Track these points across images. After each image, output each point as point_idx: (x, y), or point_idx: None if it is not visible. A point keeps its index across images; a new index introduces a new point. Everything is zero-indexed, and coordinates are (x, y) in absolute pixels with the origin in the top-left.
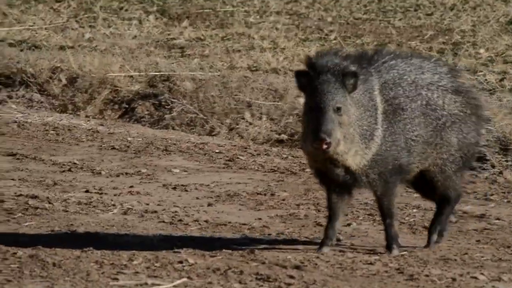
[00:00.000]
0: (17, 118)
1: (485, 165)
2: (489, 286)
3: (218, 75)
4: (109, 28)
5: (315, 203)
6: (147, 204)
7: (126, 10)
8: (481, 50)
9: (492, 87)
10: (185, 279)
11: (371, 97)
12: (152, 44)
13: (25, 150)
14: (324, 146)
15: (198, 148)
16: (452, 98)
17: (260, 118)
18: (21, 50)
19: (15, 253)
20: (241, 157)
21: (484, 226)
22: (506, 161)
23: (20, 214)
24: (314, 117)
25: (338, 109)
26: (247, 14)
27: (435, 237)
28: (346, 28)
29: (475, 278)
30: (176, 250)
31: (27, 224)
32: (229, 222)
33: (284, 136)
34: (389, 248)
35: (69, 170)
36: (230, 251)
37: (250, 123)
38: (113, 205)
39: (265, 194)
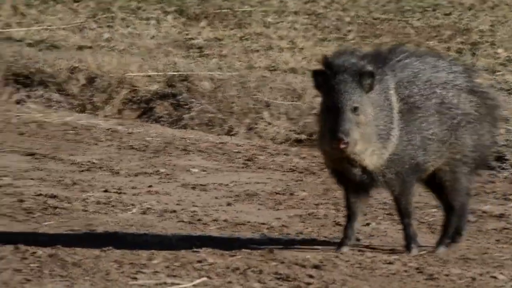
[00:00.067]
0: (36, 118)
1: (504, 164)
2: (509, 285)
3: (237, 75)
4: (127, 28)
5: (334, 202)
6: (166, 204)
7: (144, 10)
8: (500, 50)
9: (511, 86)
10: (204, 279)
11: (386, 97)
12: (170, 44)
13: (44, 150)
14: (342, 146)
15: (217, 148)
16: (467, 97)
17: (279, 118)
18: (40, 50)
19: (34, 253)
20: (260, 157)
21: (504, 226)
22: None
23: (39, 214)
24: (332, 116)
25: (355, 109)
26: (265, 14)
27: (442, 249)
28: (364, 28)
29: (495, 277)
30: (195, 249)
31: (46, 223)
32: (248, 222)
33: (302, 136)
34: (408, 247)
35: (88, 169)
36: (249, 250)
37: (269, 123)
38: (132, 204)
39: (284, 194)
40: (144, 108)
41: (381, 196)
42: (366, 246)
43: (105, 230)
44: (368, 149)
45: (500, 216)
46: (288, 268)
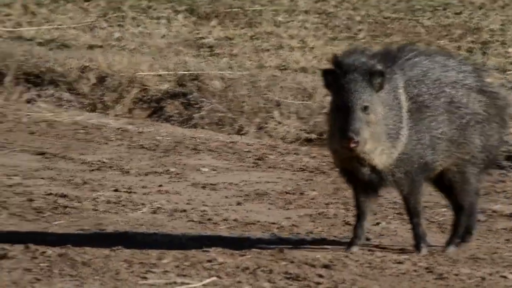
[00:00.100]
0: (46, 117)
1: None
2: None
3: (247, 74)
4: (138, 27)
5: (344, 202)
6: (176, 203)
7: (155, 9)
8: (510, 49)
9: None
10: (214, 278)
11: (395, 96)
12: (181, 43)
13: (55, 149)
14: (352, 145)
15: (227, 147)
16: (476, 97)
17: (289, 117)
18: (50, 49)
19: (44, 252)
20: (270, 156)
21: None
22: None
23: (49, 213)
24: (342, 115)
25: (366, 108)
26: (275, 13)
27: (452, 248)
28: (375, 27)
29: (505, 277)
30: (205, 249)
31: (56, 223)
32: (258, 221)
33: (313, 135)
34: (417, 247)
35: (98, 169)
36: (259, 250)
37: (279, 122)
38: (142, 204)
39: (294, 193)
40: (155, 108)
41: (391, 195)
42: (376, 246)
43: (115, 230)
44: (378, 149)
45: (510, 216)
46: (298, 268)
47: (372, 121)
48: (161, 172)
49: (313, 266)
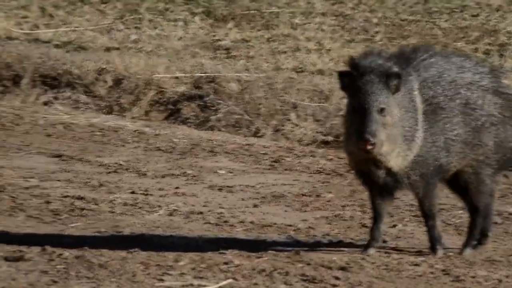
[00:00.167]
0: (63, 119)
1: None
2: None
3: (264, 77)
4: (154, 29)
5: (360, 204)
6: (193, 205)
7: (172, 11)
8: None
9: None
10: (230, 280)
11: (411, 98)
12: (198, 45)
13: (71, 151)
14: (369, 147)
15: (244, 150)
16: (492, 99)
17: (306, 120)
18: (67, 52)
19: (61, 254)
20: (286, 159)
21: None
22: None
23: (66, 215)
24: (358, 117)
25: (382, 110)
26: (292, 15)
27: (468, 251)
28: (392, 29)
29: None
30: (221, 251)
31: (73, 225)
32: (275, 224)
33: (329, 138)
34: (433, 249)
35: (115, 171)
36: (275, 252)
37: (296, 125)
38: (159, 206)
39: (310, 196)
40: (171, 110)
41: (408, 197)
42: (393, 248)
43: (132, 232)
44: (394, 151)
45: None
46: (314, 270)
47: (389, 123)
48: (177, 175)
49: (330, 268)
